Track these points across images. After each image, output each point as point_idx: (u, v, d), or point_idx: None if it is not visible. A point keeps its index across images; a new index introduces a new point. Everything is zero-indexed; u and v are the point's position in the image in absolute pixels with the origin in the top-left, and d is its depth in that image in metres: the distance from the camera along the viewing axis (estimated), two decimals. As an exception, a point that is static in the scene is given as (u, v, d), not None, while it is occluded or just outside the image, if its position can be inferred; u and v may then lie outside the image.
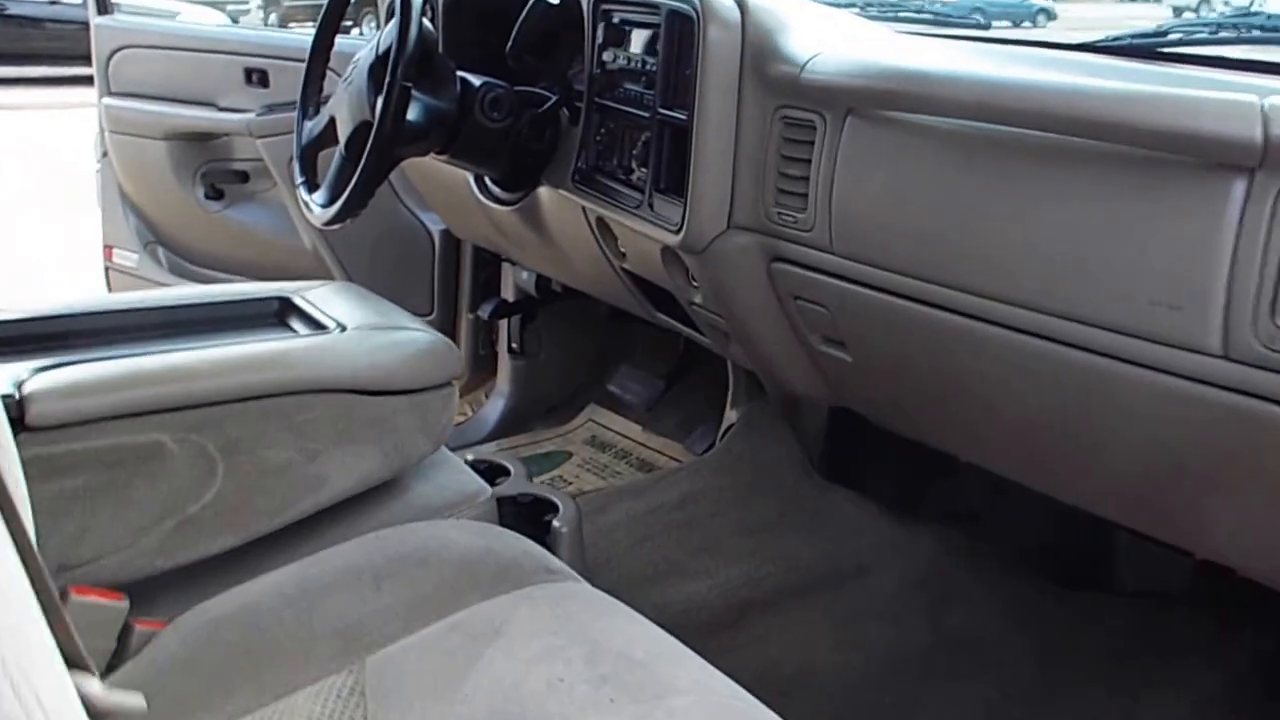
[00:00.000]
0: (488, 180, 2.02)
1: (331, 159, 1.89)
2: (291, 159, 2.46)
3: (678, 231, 1.46)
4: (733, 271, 1.47)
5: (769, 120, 1.38)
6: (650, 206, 1.53)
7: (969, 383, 1.27)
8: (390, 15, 1.79)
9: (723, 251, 1.45)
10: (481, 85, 1.79)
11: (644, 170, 1.58)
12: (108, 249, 2.93)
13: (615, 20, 1.63)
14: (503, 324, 2.57)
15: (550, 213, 1.89)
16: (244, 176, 2.77)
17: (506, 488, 1.64)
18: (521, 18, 1.77)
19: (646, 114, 1.53)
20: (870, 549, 1.70)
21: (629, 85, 1.60)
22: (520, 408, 2.60)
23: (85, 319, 1.42)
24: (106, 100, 2.79)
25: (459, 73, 1.79)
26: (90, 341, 1.37)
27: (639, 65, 1.57)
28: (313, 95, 2.02)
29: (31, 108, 8.83)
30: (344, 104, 1.83)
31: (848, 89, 1.28)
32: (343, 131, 1.85)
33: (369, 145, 1.67)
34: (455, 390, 1.39)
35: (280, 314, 1.54)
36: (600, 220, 1.73)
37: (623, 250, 1.74)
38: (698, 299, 1.57)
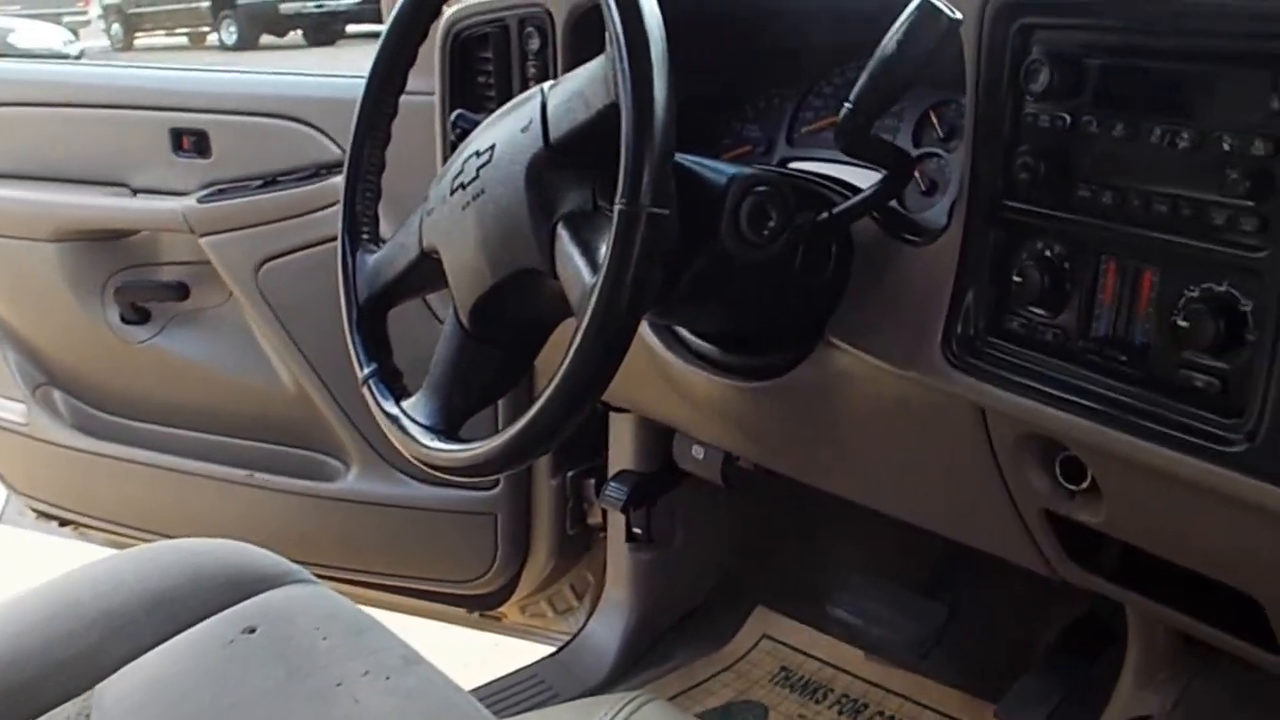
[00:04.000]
0: (685, 333, 1.14)
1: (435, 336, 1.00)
2: (262, 265, 1.67)
3: None
4: None
5: None
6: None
7: None
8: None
9: None
10: (735, 179, 0.91)
11: (1215, 361, 0.73)
12: (-24, 399, 1.97)
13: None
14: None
15: (841, 393, 1.02)
16: (180, 290, 1.82)
17: None
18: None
19: (1262, 248, 0.68)
20: None
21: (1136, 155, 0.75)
22: (647, 620, 1.70)
23: None
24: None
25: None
26: None
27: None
28: (369, 199, 1.11)
29: None
30: (470, 230, 0.94)
31: None
32: (468, 286, 0.96)
33: (590, 318, 0.79)
34: None
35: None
36: (1034, 437, 0.87)
37: (1071, 489, 0.88)
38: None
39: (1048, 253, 0.83)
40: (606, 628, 1.70)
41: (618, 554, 1.70)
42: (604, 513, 1.72)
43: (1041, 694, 1.29)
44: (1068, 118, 0.80)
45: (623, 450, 1.63)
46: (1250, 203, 0.70)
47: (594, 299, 0.78)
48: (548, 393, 0.82)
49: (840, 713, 1.50)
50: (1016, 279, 0.84)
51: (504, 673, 1.68)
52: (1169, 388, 0.76)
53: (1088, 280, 0.81)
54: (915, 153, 1.04)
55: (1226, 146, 0.71)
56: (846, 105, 0.85)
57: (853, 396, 1.01)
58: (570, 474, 1.72)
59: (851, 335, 0.97)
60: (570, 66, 1.01)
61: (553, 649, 1.73)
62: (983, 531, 1.03)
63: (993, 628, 1.45)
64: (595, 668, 1.66)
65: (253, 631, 0.97)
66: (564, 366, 0.81)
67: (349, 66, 1.72)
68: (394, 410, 1.00)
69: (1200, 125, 0.73)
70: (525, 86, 1.24)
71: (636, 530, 1.65)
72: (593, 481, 1.71)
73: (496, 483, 1.70)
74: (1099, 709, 1.28)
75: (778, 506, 1.71)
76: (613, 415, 1.64)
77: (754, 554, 1.74)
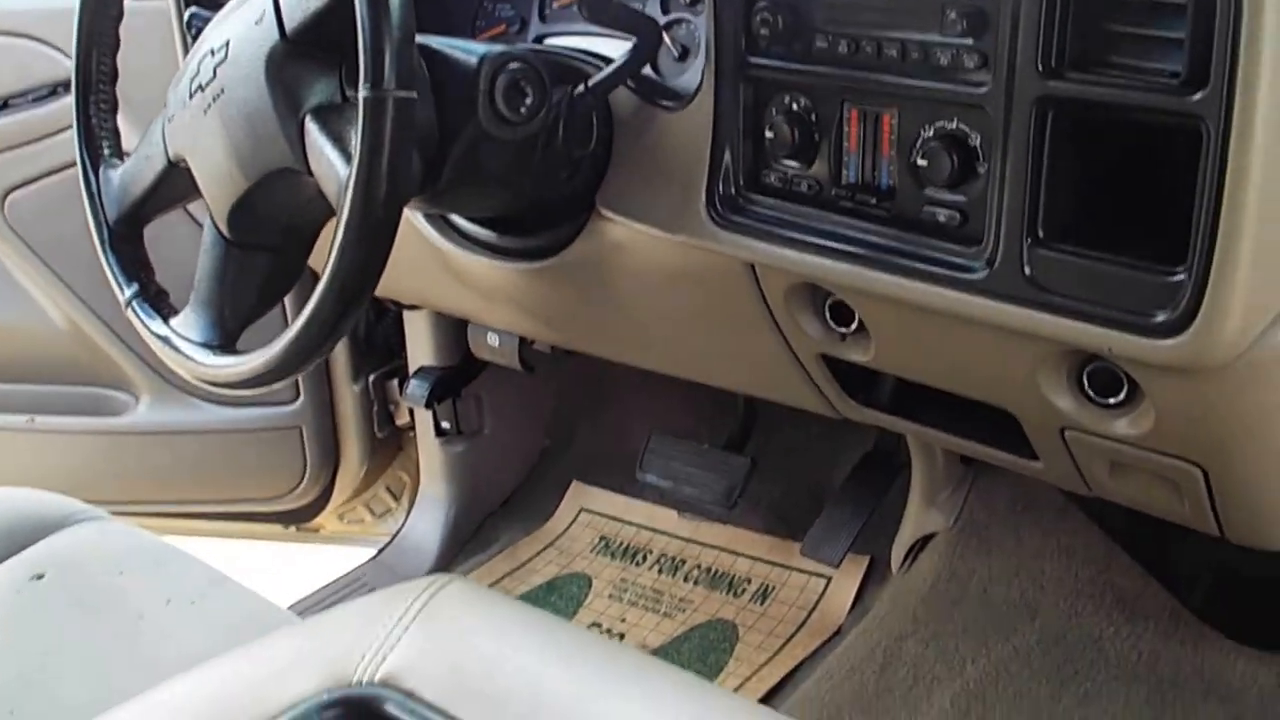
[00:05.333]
0: (461, 221, 1.12)
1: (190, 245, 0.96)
2: (6, 196, 1.55)
3: (1170, 332, 0.66)
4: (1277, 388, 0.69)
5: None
6: (1027, 278, 0.72)
7: None
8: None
9: (1267, 356, 0.67)
10: (486, 58, 0.89)
11: (953, 195, 0.76)
12: None
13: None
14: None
15: (620, 265, 1.02)
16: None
17: None
18: None
19: (983, 83, 0.71)
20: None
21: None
22: (466, 510, 1.70)
23: None
24: None
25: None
26: None
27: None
28: (105, 111, 1.04)
29: None
30: (215, 133, 0.89)
31: None
32: (221, 193, 0.91)
33: (349, 212, 0.76)
34: None
35: None
36: (803, 287, 0.89)
37: (842, 331, 0.91)
38: (1124, 430, 0.77)
39: (794, 106, 0.84)
40: (426, 523, 1.70)
41: (429, 450, 1.69)
42: (411, 411, 1.70)
43: (840, 527, 1.36)
44: (800, -31, 0.81)
45: (420, 347, 1.61)
46: (969, 40, 0.72)
47: (350, 192, 0.76)
48: (317, 292, 0.80)
49: (660, 572, 1.55)
50: (769, 134, 0.86)
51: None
52: (915, 225, 0.79)
53: (834, 129, 0.83)
54: (664, 19, 1.03)
55: (943, -13, 0.73)
56: (585, -26, 0.84)
57: (629, 266, 1.02)
58: (372, 378, 1.68)
59: (620, 205, 0.98)
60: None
61: (375, 551, 1.72)
62: (768, 381, 1.06)
63: (791, 473, 1.51)
64: (418, 563, 1.66)
65: (41, 578, 0.92)
66: (329, 264, 0.78)
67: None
68: (163, 330, 0.96)
69: (919, -32, 0.74)
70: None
71: (445, 425, 1.64)
72: (396, 382, 1.69)
73: (297, 395, 1.66)
74: (893, 533, 1.36)
75: (581, 383, 1.72)
76: (406, 313, 1.61)
77: (564, 432, 1.75)
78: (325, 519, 1.83)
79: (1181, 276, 0.65)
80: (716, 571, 1.52)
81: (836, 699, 1.12)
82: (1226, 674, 1.07)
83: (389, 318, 1.68)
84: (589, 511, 1.67)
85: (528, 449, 1.76)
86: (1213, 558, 1.08)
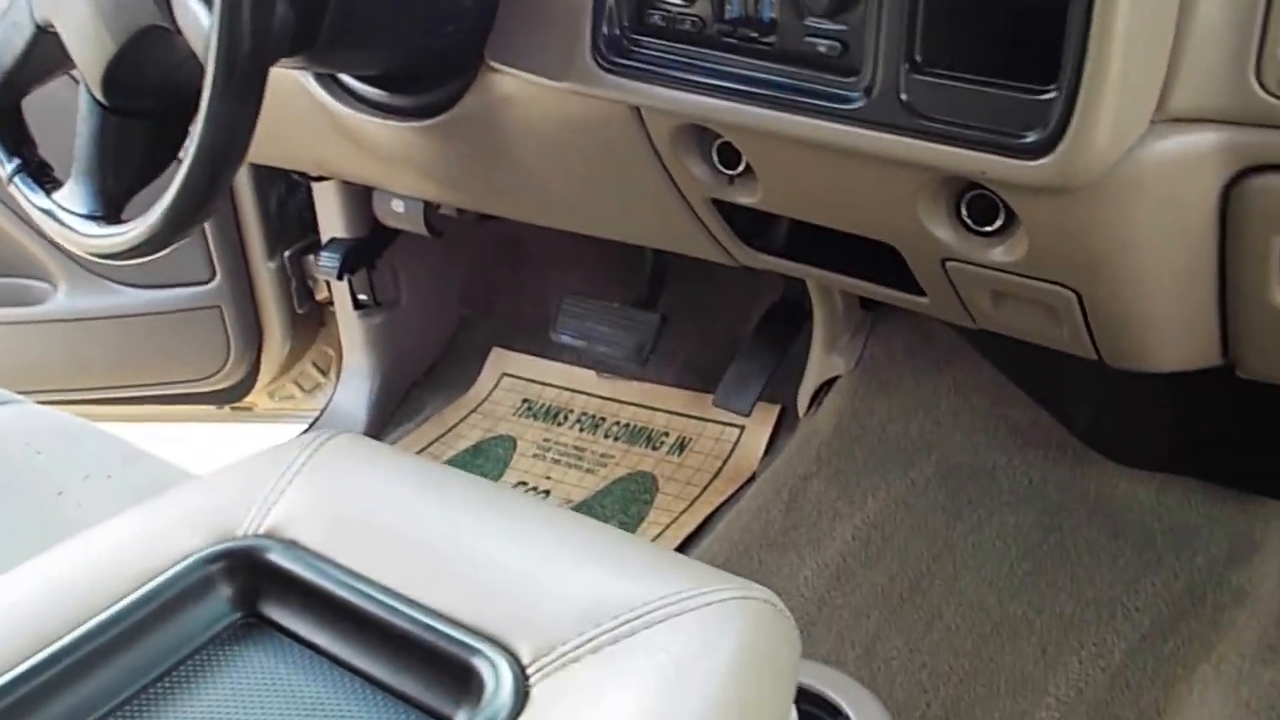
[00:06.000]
0: (351, 81, 1.07)
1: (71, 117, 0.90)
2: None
3: (1039, 152, 0.65)
4: (1144, 208, 0.68)
5: None
6: (903, 103, 0.70)
7: None
8: None
9: (1131, 175, 0.66)
10: None
11: (833, 25, 0.73)
12: None
13: None
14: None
15: (512, 119, 0.99)
16: None
17: None
18: None
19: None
20: (1232, 558, 1.01)
21: None
22: (390, 380, 1.68)
23: None
24: None
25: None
26: None
27: None
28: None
29: None
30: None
31: None
32: (91, 55, 0.86)
33: (214, 66, 0.72)
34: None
35: None
36: (689, 129, 0.86)
37: (730, 173, 0.89)
38: (999, 256, 0.76)
39: (672, -61, 0.80)
40: (352, 395, 1.68)
41: (348, 323, 1.65)
42: (329, 286, 1.66)
43: (749, 377, 1.36)
44: None
45: (331, 219, 1.56)
46: None
47: (213, 44, 0.71)
48: (189, 155, 0.76)
49: (581, 430, 1.55)
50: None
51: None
52: (797, 58, 0.77)
53: (715, -37, 0.79)
54: None
55: None
56: None
57: (521, 120, 0.98)
58: (288, 254, 1.64)
59: (508, 56, 0.94)
60: None
61: (305, 426, 1.70)
62: (666, 232, 1.04)
63: (704, 328, 1.50)
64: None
65: None
66: (199, 124, 0.74)
67: None
68: (46, 204, 0.91)
69: None
70: None
71: (362, 297, 1.61)
72: (313, 258, 1.64)
73: (213, 275, 1.61)
74: (799, 380, 1.36)
75: (496, 250, 1.69)
76: (315, 185, 1.56)
77: (482, 298, 1.73)
78: (256, 397, 1.81)
79: (1052, 95, 0.64)
80: (635, 427, 1.52)
81: (745, 539, 1.13)
82: (1109, 493, 1.10)
83: (300, 192, 1.63)
84: (510, 376, 1.66)
85: (447, 317, 1.74)
86: (1096, 384, 1.09)
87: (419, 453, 1.57)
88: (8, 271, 1.67)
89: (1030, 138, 0.65)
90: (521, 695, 0.46)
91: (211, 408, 1.81)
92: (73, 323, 1.66)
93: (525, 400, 1.62)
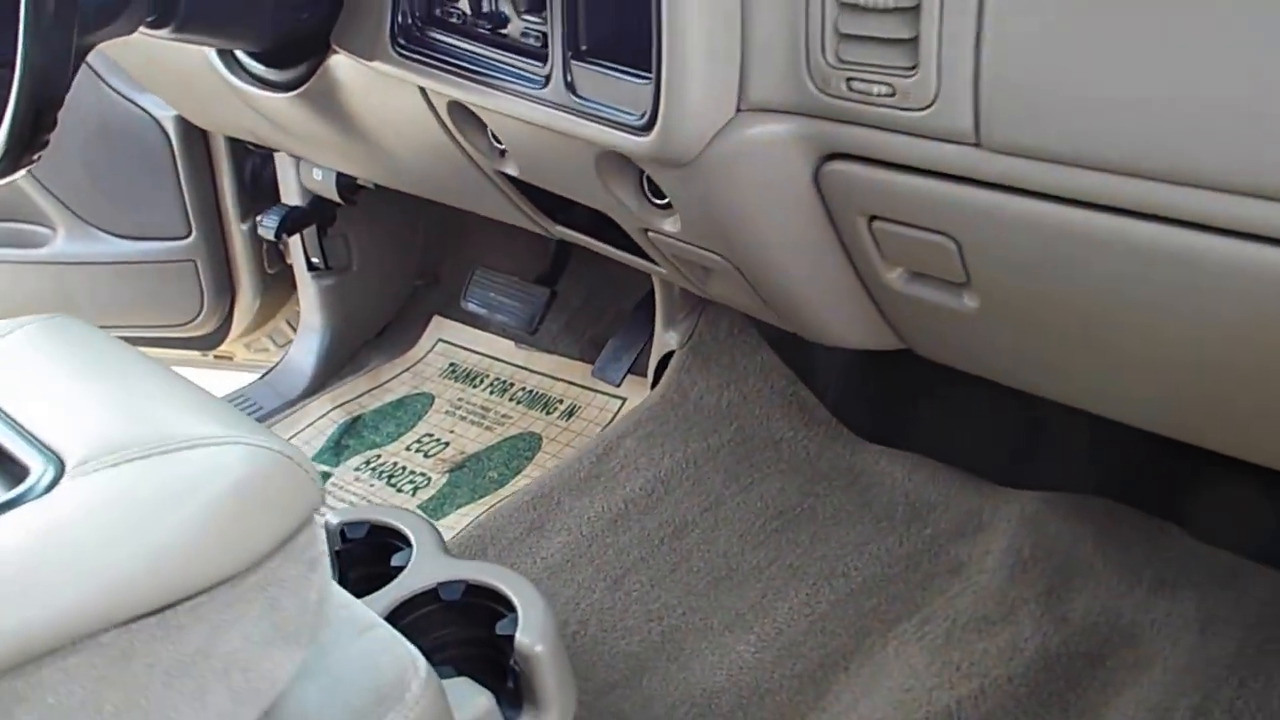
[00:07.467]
0: (240, 55, 1.23)
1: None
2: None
3: (644, 129, 0.77)
4: (748, 184, 0.79)
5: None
6: (568, 86, 0.82)
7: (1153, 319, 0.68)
8: None
9: (730, 154, 0.77)
10: None
11: (536, 19, 0.86)
12: None
13: None
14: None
15: (356, 95, 1.14)
16: None
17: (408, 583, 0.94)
18: None
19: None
20: (957, 533, 1.11)
21: None
22: (341, 338, 1.85)
23: None
24: None
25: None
26: None
27: None
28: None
29: None
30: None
31: None
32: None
33: (25, 33, 0.88)
34: (317, 535, 0.67)
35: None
36: (457, 106, 1.00)
37: (500, 147, 1.02)
38: (669, 227, 0.88)
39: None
40: (305, 350, 1.85)
41: (305, 283, 1.83)
42: (303, 250, 1.84)
43: (622, 352, 1.48)
44: None
45: (289, 187, 1.73)
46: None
47: (28, 8, 0.87)
48: (11, 109, 0.91)
49: (491, 393, 1.69)
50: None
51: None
52: (517, 47, 0.90)
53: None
54: None
55: None
56: None
57: (359, 94, 1.13)
58: (258, 217, 1.82)
59: (342, 39, 1.08)
60: None
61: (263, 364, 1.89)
62: (485, 202, 1.17)
63: (603, 309, 1.63)
64: (296, 383, 1.82)
65: None
66: (17, 82, 0.90)
67: None
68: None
69: None
70: None
71: (314, 260, 1.78)
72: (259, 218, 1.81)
73: (190, 232, 1.80)
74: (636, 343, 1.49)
75: (444, 225, 1.85)
76: (275, 155, 1.73)
77: (431, 270, 1.88)
78: (235, 346, 1.99)
79: (649, 82, 0.76)
80: (537, 393, 1.66)
81: (553, 482, 1.25)
82: (868, 468, 1.19)
83: (273, 162, 1.81)
84: (445, 342, 1.81)
85: (400, 285, 1.90)
86: (834, 362, 1.18)
87: (348, 402, 1.74)
88: (12, 216, 1.88)
89: (639, 119, 0.77)
90: (53, 484, 0.60)
91: (195, 353, 2.01)
92: (69, 265, 1.86)
93: (452, 364, 1.77)
